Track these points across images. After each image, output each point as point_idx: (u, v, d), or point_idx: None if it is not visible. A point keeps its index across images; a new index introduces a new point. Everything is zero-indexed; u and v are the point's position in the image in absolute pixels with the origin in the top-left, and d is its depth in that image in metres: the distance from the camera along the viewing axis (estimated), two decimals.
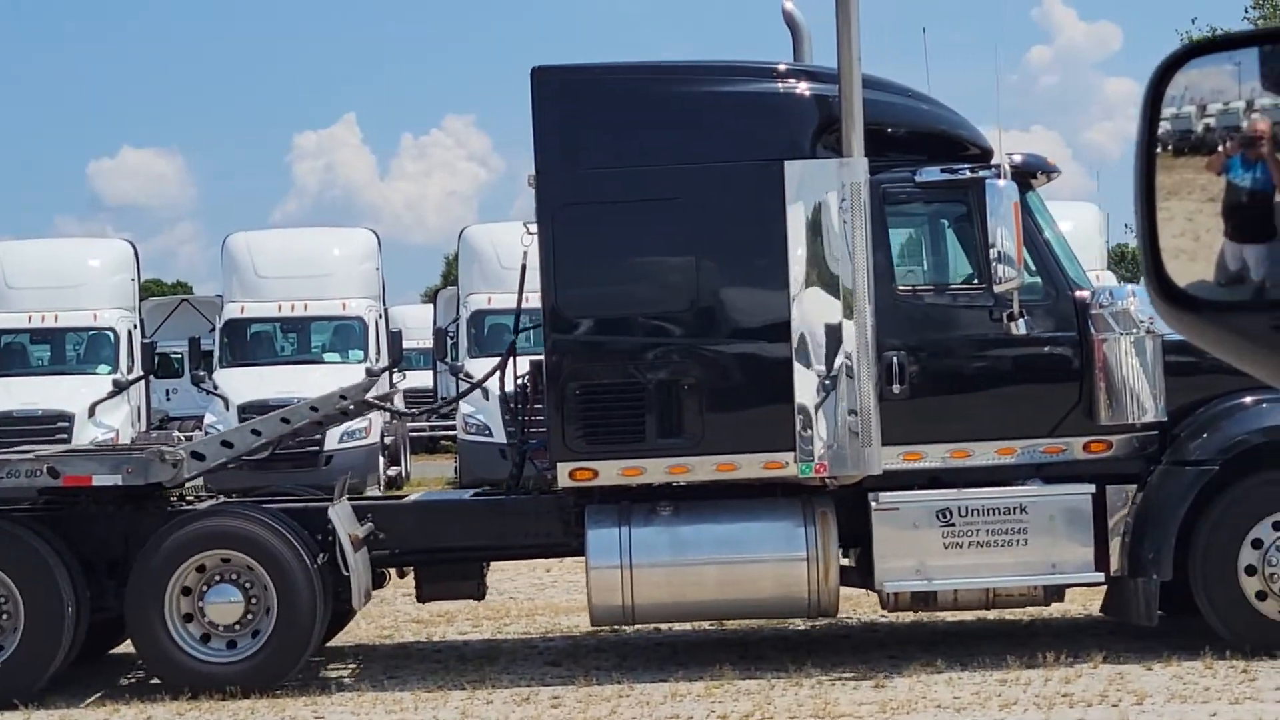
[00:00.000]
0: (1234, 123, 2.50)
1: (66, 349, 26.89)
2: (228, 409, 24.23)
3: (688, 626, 13.63)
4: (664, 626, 13.38)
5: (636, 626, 13.04)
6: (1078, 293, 11.73)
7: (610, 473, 11.59)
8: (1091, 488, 11.51)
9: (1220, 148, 2.49)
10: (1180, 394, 11.61)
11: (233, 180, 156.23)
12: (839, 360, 11.40)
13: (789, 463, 11.44)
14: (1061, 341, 11.72)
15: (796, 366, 11.43)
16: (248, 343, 27.14)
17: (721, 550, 11.63)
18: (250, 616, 11.63)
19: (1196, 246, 2.52)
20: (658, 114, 11.70)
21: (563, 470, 11.61)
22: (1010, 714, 10.25)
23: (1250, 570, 11.39)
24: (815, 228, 11.45)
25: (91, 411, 24.31)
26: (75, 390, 24.57)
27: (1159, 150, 2.52)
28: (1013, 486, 11.57)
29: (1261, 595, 11.41)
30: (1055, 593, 11.81)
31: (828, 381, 11.41)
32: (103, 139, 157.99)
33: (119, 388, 24.99)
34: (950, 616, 12.95)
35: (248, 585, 11.66)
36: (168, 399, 38.58)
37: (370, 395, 13.31)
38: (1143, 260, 2.49)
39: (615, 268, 11.66)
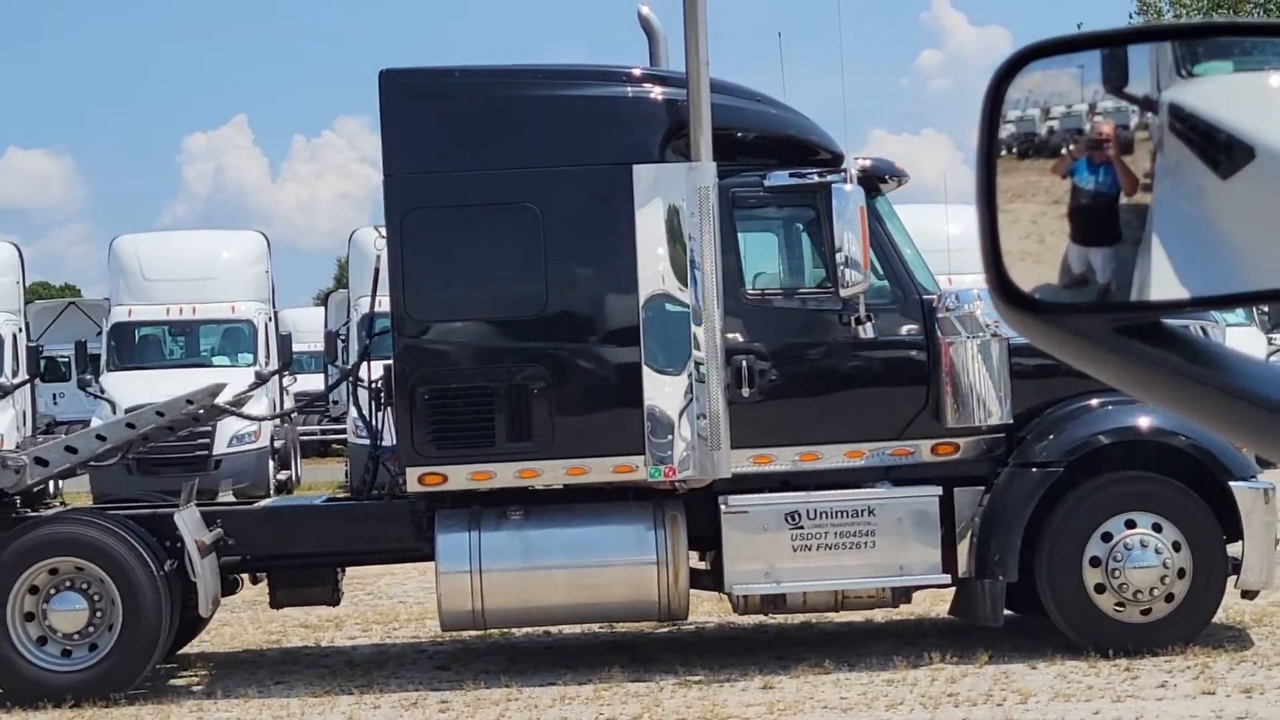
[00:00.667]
0: (1078, 125, 2.48)
1: None
2: (115, 413, 23.85)
3: (578, 629, 13.66)
4: (554, 630, 13.40)
5: (526, 630, 13.08)
6: (925, 296, 11.82)
7: (460, 477, 11.56)
8: (938, 490, 11.55)
9: (1065, 150, 2.47)
10: (1027, 397, 11.70)
11: (122, 182, 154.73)
12: (688, 364, 11.42)
13: (639, 466, 11.46)
14: (909, 345, 11.77)
15: (646, 370, 11.44)
16: (135, 346, 26.89)
17: (571, 554, 11.62)
18: (95, 625, 11.53)
19: (1040, 249, 2.47)
20: (507, 117, 11.66)
21: (412, 475, 11.57)
22: (896, 714, 10.30)
23: (1094, 562, 11.44)
24: (664, 232, 11.46)
25: None
26: None
27: (1001, 153, 2.48)
28: (862, 489, 11.65)
29: (1100, 588, 11.47)
30: (903, 594, 11.87)
31: (677, 385, 11.42)
32: None
33: (3, 392, 24.64)
34: (840, 618, 13.01)
35: (95, 595, 11.56)
36: (55, 403, 38.16)
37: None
38: (984, 264, 2.43)
39: (464, 272, 11.61)
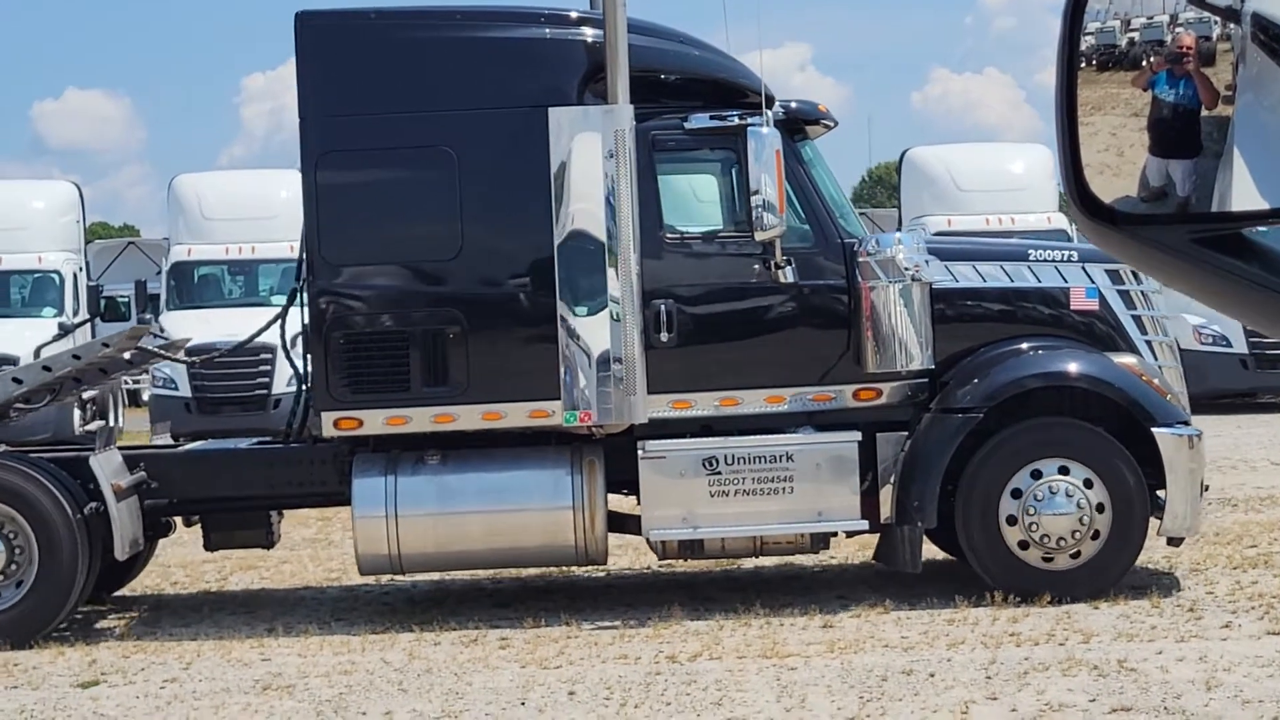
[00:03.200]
0: (1159, 37, 2.49)
1: (11, 292, 26.82)
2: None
3: (635, 567, 13.64)
4: (611, 568, 13.33)
5: (585, 569, 13.13)
6: (847, 240, 11.76)
7: (375, 422, 11.55)
8: (857, 435, 11.51)
9: (1145, 62, 2.48)
10: (952, 342, 11.81)
11: (180, 124, 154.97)
12: (604, 308, 11.42)
13: (554, 412, 11.47)
14: (829, 290, 11.72)
15: (561, 315, 11.43)
16: (194, 285, 27.04)
17: (487, 500, 11.62)
18: (17, 564, 11.68)
19: (1120, 162, 2.48)
20: (421, 59, 11.61)
21: (327, 419, 11.58)
22: (958, 653, 10.25)
23: (1011, 521, 11.47)
24: (581, 175, 11.40)
25: (37, 354, 24.19)
26: (19, 333, 24.37)
27: (1082, 65, 2.48)
28: (780, 434, 11.64)
29: (1024, 545, 11.48)
30: (822, 540, 11.85)
31: (593, 330, 11.42)
32: (46, 80, 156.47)
33: (64, 331, 24.81)
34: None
35: (12, 535, 11.68)
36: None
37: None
38: (1063, 175, 2.47)
39: (378, 216, 11.60)
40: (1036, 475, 11.46)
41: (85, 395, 24.47)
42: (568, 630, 11.39)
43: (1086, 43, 2.49)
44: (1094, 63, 2.49)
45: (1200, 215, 2.39)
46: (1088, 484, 11.41)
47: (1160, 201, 2.47)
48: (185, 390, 23.80)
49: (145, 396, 28.90)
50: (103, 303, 26.62)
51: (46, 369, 12.14)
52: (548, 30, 11.76)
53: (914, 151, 29.26)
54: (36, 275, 26.51)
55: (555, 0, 12.22)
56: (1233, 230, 2.37)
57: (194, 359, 15.67)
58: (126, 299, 35.38)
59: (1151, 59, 2.44)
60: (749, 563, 13.38)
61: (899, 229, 26.52)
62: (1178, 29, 2.46)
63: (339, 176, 11.60)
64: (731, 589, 12.74)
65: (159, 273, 29.28)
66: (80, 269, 26.99)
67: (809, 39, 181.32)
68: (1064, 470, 11.45)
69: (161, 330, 22.99)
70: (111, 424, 26.06)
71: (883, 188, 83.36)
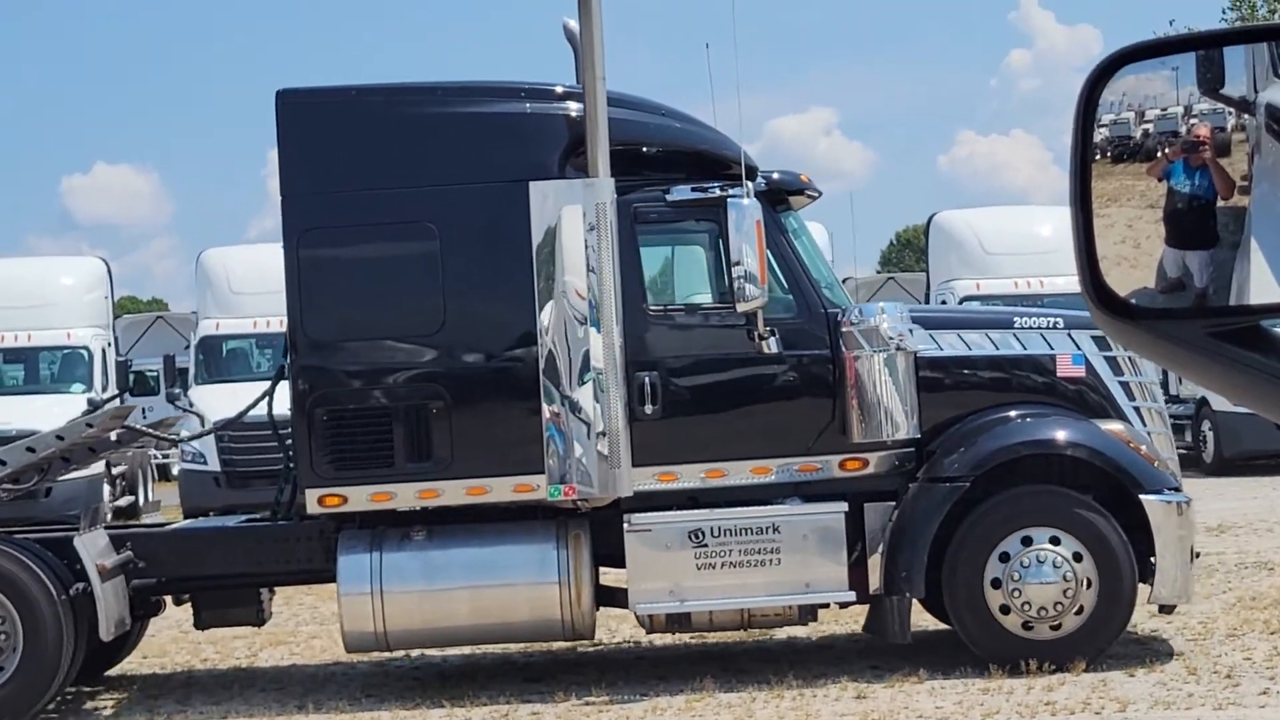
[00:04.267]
0: (1173, 128, 2.48)
1: (40, 368, 26.94)
2: (204, 426, 24.30)
3: (668, 639, 13.44)
4: (644, 639, 13.21)
5: (617, 640, 13.01)
6: (830, 310, 11.72)
7: (360, 498, 11.53)
8: (844, 506, 11.44)
9: (1160, 153, 2.48)
10: (939, 410, 11.76)
11: (208, 196, 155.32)
12: (588, 382, 11.34)
13: (539, 486, 11.37)
14: (813, 360, 11.67)
15: (545, 389, 11.36)
16: (223, 359, 27.15)
17: (473, 575, 11.57)
18: (1, 648, 11.64)
19: (1136, 254, 2.47)
20: (403, 136, 11.63)
21: (311, 496, 11.54)
22: None
23: (995, 584, 11.37)
24: (562, 249, 11.36)
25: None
26: (49, 409, 24.16)
27: (1096, 157, 2.48)
28: (766, 506, 11.54)
29: (1005, 609, 11.40)
30: (810, 612, 11.74)
31: (576, 403, 11.33)
32: (75, 155, 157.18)
33: (94, 406, 24.91)
34: (936, 624, 12.67)
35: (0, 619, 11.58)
36: (144, 417, 38.74)
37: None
38: (1078, 269, 2.45)
39: (361, 291, 11.60)
40: (1026, 542, 11.41)
41: (115, 471, 24.88)
42: (600, 704, 11.37)
43: (1100, 135, 2.50)
44: (1108, 155, 2.49)
45: (1218, 309, 2.37)
46: (1077, 557, 11.36)
47: (1177, 294, 2.45)
48: (214, 464, 23.88)
49: (175, 471, 28.87)
50: (131, 377, 26.73)
51: (31, 450, 12.22)
52: (528, 105, 11.76)
53: (941, 216, 29.19)
54: (65, 351, 26.62)
55: (538, 75, 12.28)
56: (1251, 323, 2.36)
57: (212, 433, 15.46)
58: (155, 373, 35.34)
59: (1167, 149, 2.43)
60: (782, 632, 13.31)
61: (927, 293, 27.49)
62: (1192, 120, 2.45)
63: (321, 253, 11.63)
64: (764, 660, 12.68)
65: (187, 347, 29.41)
66: (109, 344, 27.12)
67: (834, 103, 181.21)
68: (1055, 541, 11.40)
69: (191, 405, 23.30)
70: (142, 499, 26.30)
71: (911, 251, 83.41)
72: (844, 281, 34.75)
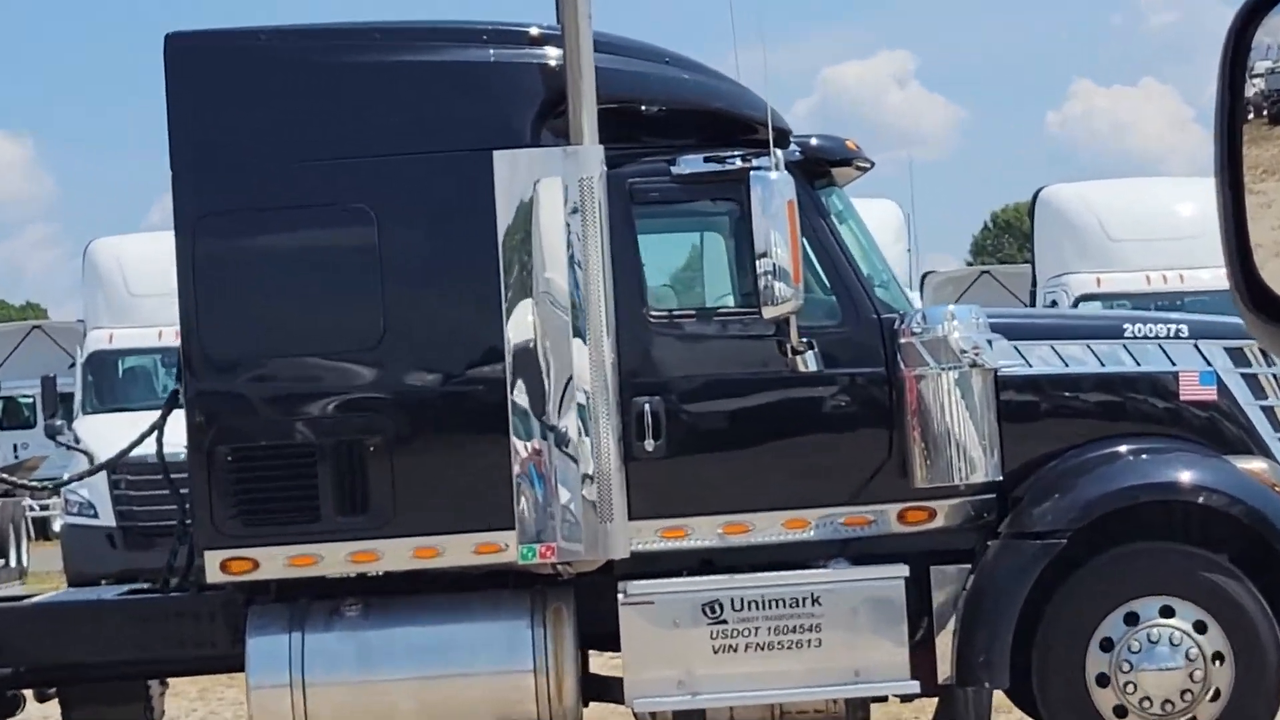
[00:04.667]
0: None
1: None
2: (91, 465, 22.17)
3: None
4: None
5: None
6: (885, 316, 10.69)
7: (275, 563, 10.41)
8: (904, 570, 10.49)
9: None
10: (1026, 445, 10.81)
11: (99, 171, 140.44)
12: (570, 410, 10.33)
13: (508, 545, 10.35)
14: (863, 380, 10.75)
15: (514, 419, 10.33)
16: (119, 381, 24.46)
17: (422, 663, 10.55)
18: None
19: None
20: (330, 93, 10.61)
21: (212, 560, 10.37)
22: None
23: (1102, 681, 10.40)
24: (537, 237, 10.35)
25: None
26: None
27: (1249, 116, 2.43)
28: (805, 570, 10.59)
29: (1121, 712, 10.43)
30: (861, 707, 10.74)
31: (556, 438, 10.35)
32: None
33: None
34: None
35: None
36: (15, 455, 36.35)
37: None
38: (1226, 260, 2.38)
39: (277, 295, 10.60)
40: (1132, 620, 10.47)
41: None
42: None
43: (1254, 88, 2.41)
44: (1265, 114, 2.42)
45: None
46: (1199, 628, 10.45)
47: None
48: (107, 518, 21.07)
49: (57, 526, 26.33)
50: (0, 405, 24.35)
51: None
52: (492, 52, 10.65)
53: (1051, 191, 26.34)
54: None
55: (508, 13, 11.02)
56: None
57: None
58: (31, 399, 32.41)
59: None
60: None
61: (1032, 292, 25.30)
62: None
63: (223, 246, 10.54)
64: None
65: (72, 365, 26.84)
66: None
67: (910, 45, 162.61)
68: (1168, 611, 10.47)
69: (76, 440, 20.75)
70: (13, 561, 23.99)
71: (1011, 237, 79.55)
72: (924, 277, 32.31)
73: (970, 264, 63.33)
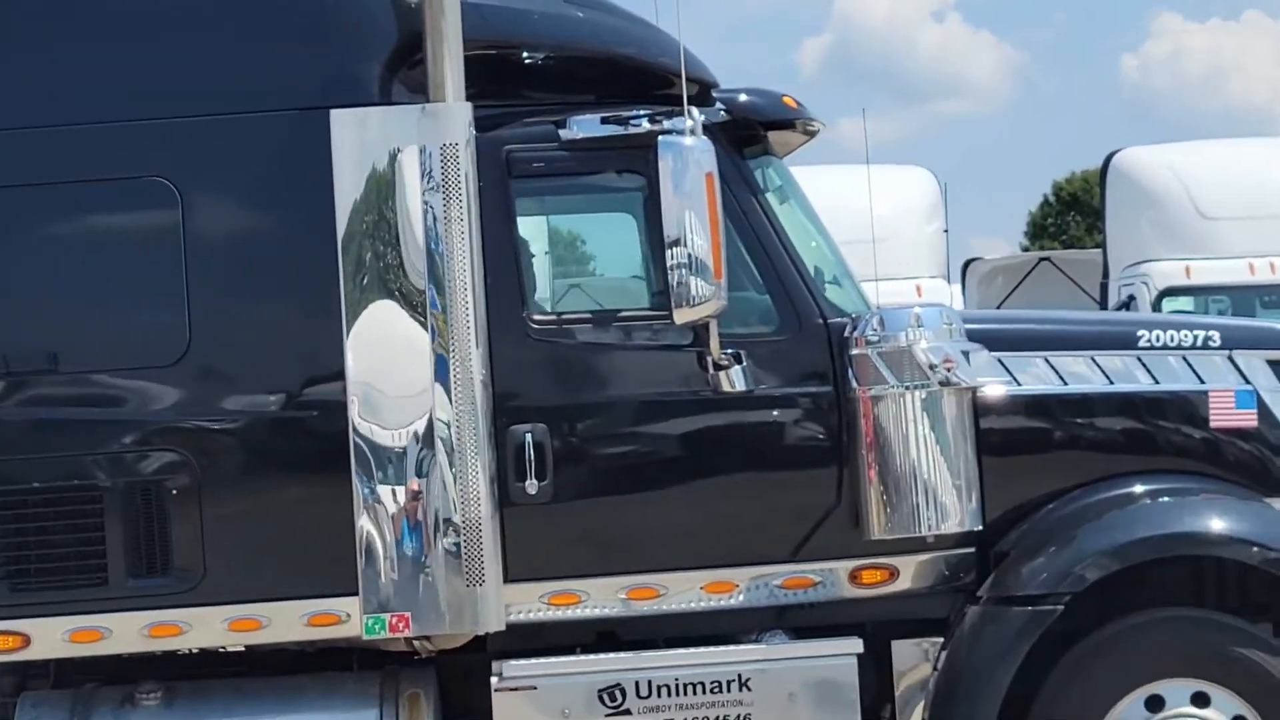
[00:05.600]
0: None
1: None
2: None
3: None
4: None
5: None
6: (833, 321, 10.29)
7: (51, 638, 9.94)
8: (857, 645, 10.12)
9: None
10: (1012, 486, 10.50)
11: None
12: (430, 442, 9.91)
13: (349, 615, 9.91)
14: (806, 402, 10.35)
15: (357, 454, 9.87)
16: None
17: None
18: None
19: None
20: (119, 35, 10.13)
21: None
22: None
23: None
24: (387, 220, 9.94)
25: None
26: None
27: None
28: (733, 646, 10.19)
29: None
30: None
31: (410, 477, 9.93)
32: None
33: None
34: None
35: None
36: None
37: None
38: None
39: (50, 295, 10.10)
40: (1156, 705, 10.12)
41: None
42: None
43: None
44: None
45: None
46: None
47: None
48: None
49: None
50: None
51: None
52: None
53: (1127, 155, 25.41)
54: None
55: None
56: None
57: None
58: None
59: None
60: None
61: (1103, 285, 24.70)
62: None
63: None
64: None
65: None
66: None
67: None
68: (1201, 700, 10.13)
69: None
70: None
71: (1078, 215, 78.15)
72: (966, 266, 31.06)
73: (1026, 249, 62.78)
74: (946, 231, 25.49)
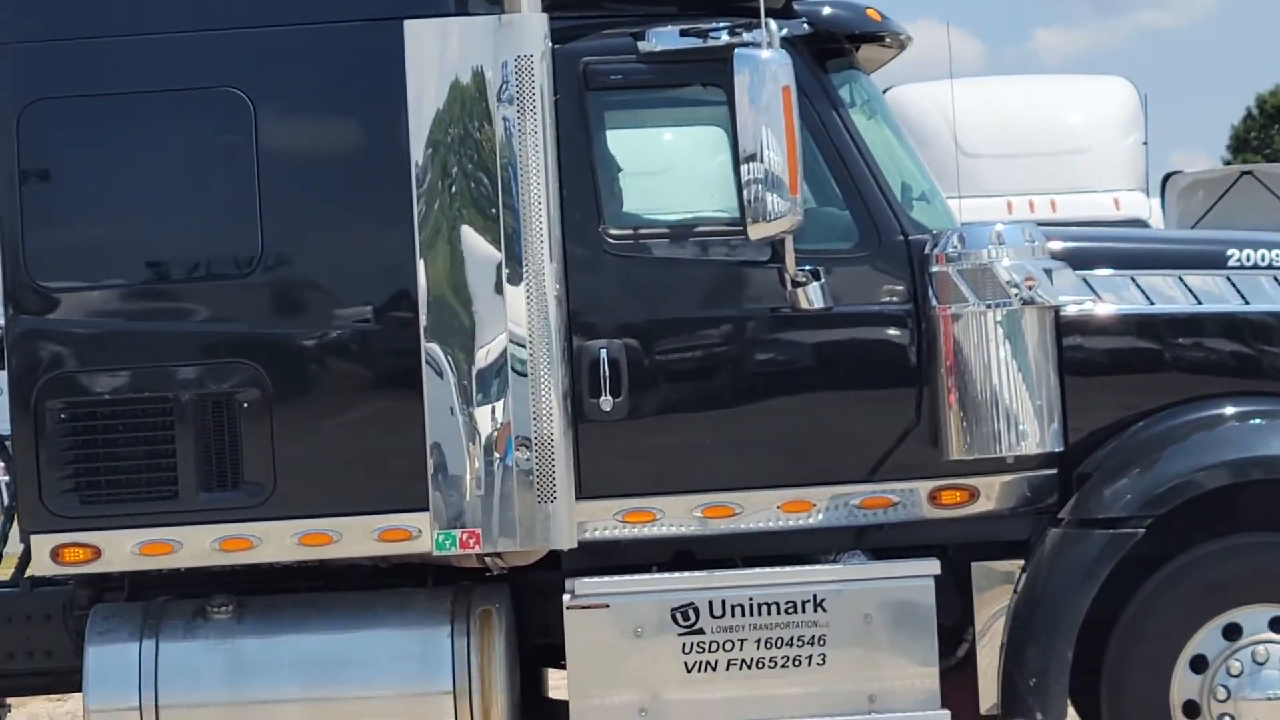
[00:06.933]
0: None
1: None
2: None
3: None
4: None
5: None
6: (914, 238, 10.25)
7: (122, 550, 10.06)
8: (934, 566, 10.12)
9: None
10: (1094, 407, 10.45)
11: None
12: (501, 356, 9.98)
13: (420, 530, 10.01)
14: (884, 320, 10.35)
15: (429, 370, 9.99)
16: None
17: (310, 680, 10.24)
18: None
19: None
20: None
21: (42, 546, 10.06)
22: None
23: (1191, 710, 10.08)
24: (461, 133, 10.01)
25: None
26: None
27: None
28: (809, 566, 10.20)
29: None
30: None
31: (482, 393, 10.04)
32: None
33: None
34: None
35: None
36: None
37: None
38: None
39: (123, 206, 10.21)
40: (1233, 633, 10.11)
41: None
42: None
43: None
44: None
45: None
46: None
47: None
48: None
49: None
50: None
51: None
52: None
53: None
54: None
55: None
56: None
57: None
58: None
59: None
60: None
61: None
62: None
63: (55, 141, 10.18)
64: None
65: None
66: None
67: None
68: (1276, 622, 10.20)
69: None
70: None
71: None
72: (1166, 180, 30.81)
73: (1228, 163, 61.86)
74: (1146, 144, 25.43)
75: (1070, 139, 21.95)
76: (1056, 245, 10.43)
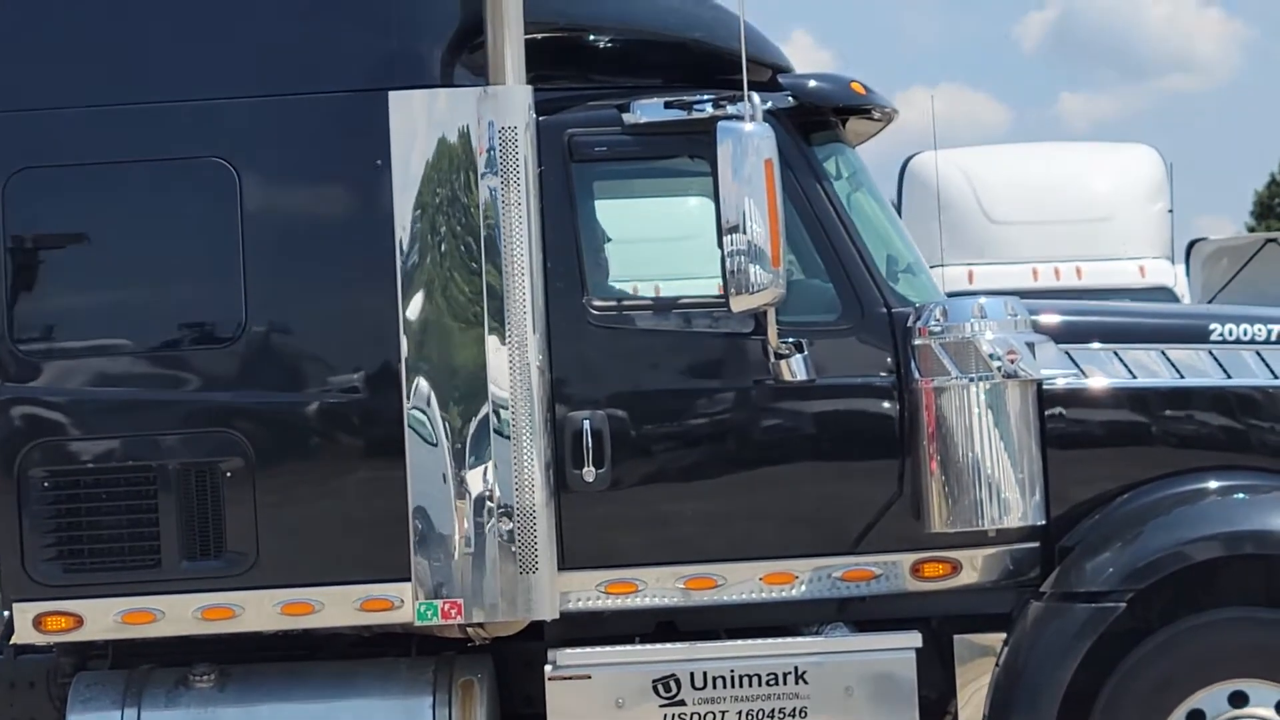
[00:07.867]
0: None
1: None
2: None
3: None
4: None
5: None
6: (897, 310, 10.33)
7: (104, 619, 10.13)
8: (916, 639, 10.19)
9: None
10: (1077, 480, 10.51)
11: None
12: (484, 427, 10.08)
13: (402, 601, 10.08)
14: (868, 393, 10.44)
15: (411, 439, 10.06)
16: None
17: None
18: None
19: None
20: (177, 12, 10.38)
21: (24, 615, 10.12)
22: None
23: None
24: (445, 203, 10.13)
25: None
26: None
27: None
28: (791, 639, 10.30)
29: None
30: None
31: (465, 462, 10.12)
32: None
33: None
34: None
35: None
36: None
37: None
38: None
39: (109, 274, 10.32)
40: (1239, 701, 10.14)
41: None
42: None
43: None
44: None
45: None
46: None
47: None
48: None
49: None
50: None
51: None
52: None
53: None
54: None
55: None
56: None
57: None
58: None
59: None
60: None
61: None
62: None
63: (41, 209, 10.29)
64: None
65: None
66: None
67: None
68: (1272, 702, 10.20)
69: None
70: None
71: None
72: (1191, 247, 30.83)
73: (1252, 229, 61.76)
74: (1171, 211, 25.54)
75: (1096, 206, 22.00)
76: (1040, 319, 10.49)
